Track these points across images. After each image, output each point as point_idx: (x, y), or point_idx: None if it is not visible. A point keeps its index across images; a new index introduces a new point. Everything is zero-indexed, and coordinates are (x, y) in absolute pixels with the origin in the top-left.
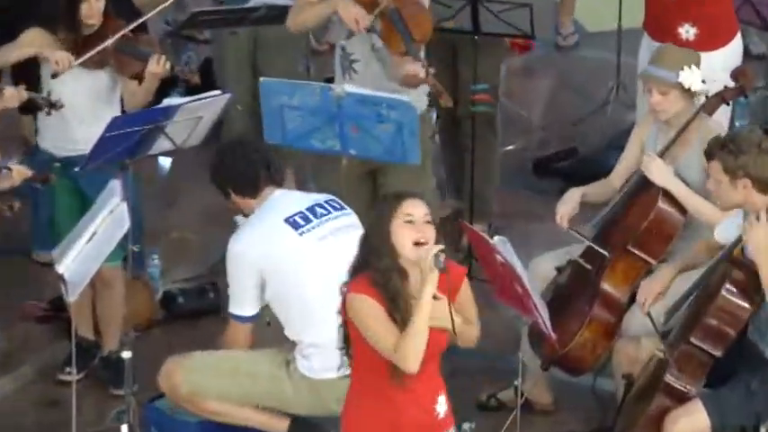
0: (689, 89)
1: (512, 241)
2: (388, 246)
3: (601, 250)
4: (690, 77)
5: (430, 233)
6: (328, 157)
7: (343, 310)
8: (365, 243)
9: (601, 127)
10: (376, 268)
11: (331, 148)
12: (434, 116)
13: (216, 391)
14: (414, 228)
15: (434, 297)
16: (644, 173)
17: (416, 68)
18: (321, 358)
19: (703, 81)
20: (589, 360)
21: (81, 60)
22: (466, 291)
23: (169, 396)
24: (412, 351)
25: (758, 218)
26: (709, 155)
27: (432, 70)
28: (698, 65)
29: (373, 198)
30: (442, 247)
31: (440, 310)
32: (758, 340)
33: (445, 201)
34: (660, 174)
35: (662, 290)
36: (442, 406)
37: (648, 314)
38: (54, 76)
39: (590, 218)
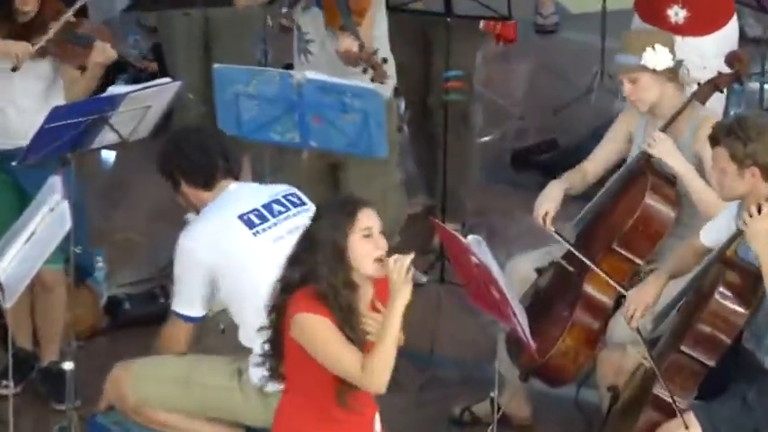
0: (654, 70)
1: (487, 240)
2: (345, 261)
3: (584, 258)
4: (653, 58)
5: (385, 246)
6: (288, 150)
7: (285, 328)
8: (312, 254)
9: (584, 116)
10: (330, 284)
11: (290, 141)
12: (402, 106)
13: (165, 401)
14: (372, 242)
15: (378, 310)
16: (632, 164)
17: (350, 43)
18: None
19: (680, 61)
20: (571, 370)
21: (35, 49)
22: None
23: (117, 406)
24: (382, 370)
25: (759, 209)
26: (715, 141)
27: (377, 51)
28: (666, 44)
29: (334, 195)
30: (411, 256)
31: (377, 324)
32: (755, 348)
33: (415, 197)
34: (665, 150)
35: (653, 300)
36: (378, 425)
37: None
38: (14, 69)
39: (572, 214)
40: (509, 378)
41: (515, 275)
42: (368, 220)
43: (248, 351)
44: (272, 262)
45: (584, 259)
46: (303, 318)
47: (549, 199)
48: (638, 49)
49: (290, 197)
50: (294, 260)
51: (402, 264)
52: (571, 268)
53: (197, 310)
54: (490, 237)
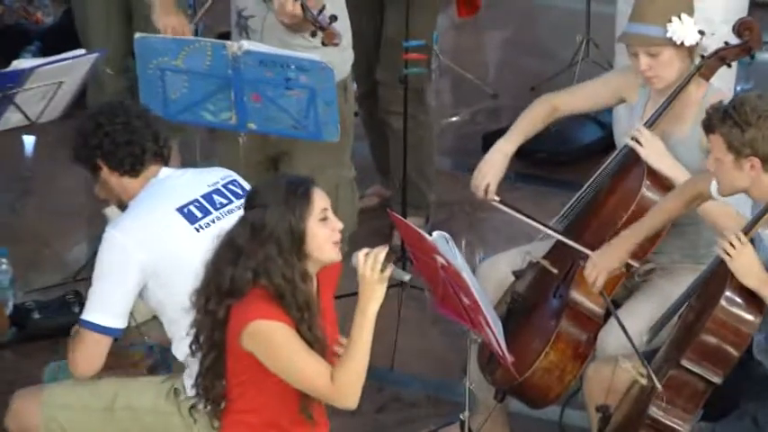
0: (682, 44)
1: (456, 237)
2: (302, 250)
3: (575, 245)
4: (680, 30)
5: (340, 225)
6: (222, 134)
7: (232, 339)
8: (261, 248)
9: None
10: (286, 279)
11: (225, 122)
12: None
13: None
14: (330, 224)
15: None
16: (625, 150)
17: (288, 2)
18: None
19: (701, 32)
20: (555, 388)
21: None
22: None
23: None
24: (354, 383)
25: (739, 239)
26: (709, 127)
27: (324, 7)
28: (689, 11)
29: None
30: (386, 250)
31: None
32: (766, 360)
33: (370, 188)
34: (654, 152)
35: (618, 264)
36: None
37: (623, 329)
38: None
39: (552, 209)
40: (482, 398)
41: (489, 279)
42: (321, 200)
43: (182, 366)
44: None
45: (574, 245)
46: (259, 326)
47: (491, 165)
48: (659, 19)
49: (230, 186)
50: (233, 258)
51: (375, 258)
52: (555, 270)
53: (119, 321)
54: (458, 233)
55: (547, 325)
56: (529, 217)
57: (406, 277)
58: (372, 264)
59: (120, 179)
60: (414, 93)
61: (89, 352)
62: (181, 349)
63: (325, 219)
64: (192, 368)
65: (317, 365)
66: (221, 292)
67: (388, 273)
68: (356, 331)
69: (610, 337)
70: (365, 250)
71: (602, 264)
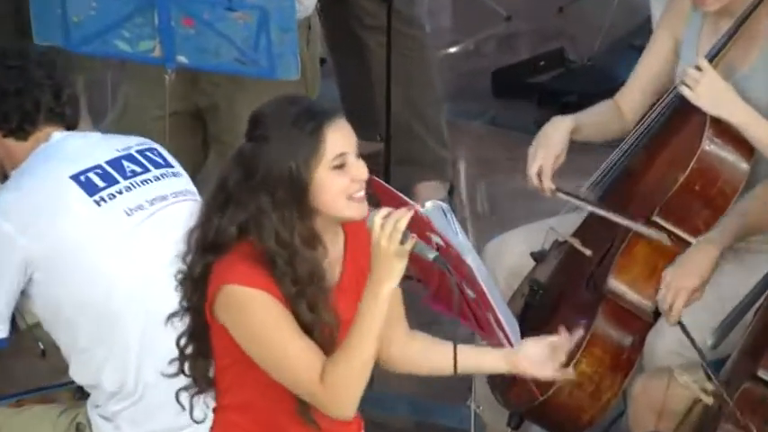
0: None
1: (456, 209)
2: (306, 205)
3: (615, 217)
4: None
5: (365, 173)
6: (138, 72)
7: (207, 305)
8: (253, 196)
9: (601, 15)
10: (281, 242)
11: (146, 55)
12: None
13: None
14: (347, 173)
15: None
16: (680, 93)
17: None
18: (142, 416)
19: None
20: (589, 410)
21: None
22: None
23: None
24: (353, 384)
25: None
26: None
27: None
28: None
29: (198, 163)
30: (411, 213)
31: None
32: None
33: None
34: (712, 95)
35: (700, 282)
36: None
37: (681, 326)
38: None
39: (581, 168)
40: (492, 424)
41: (501, 263)
42: (339, 141)
43: (84, 393)
44: (128, 244)
45: (614, 217)
46: (233, 292)
47: (551, 143)
48: None
49: (148, 153)
50: (222, 204)
51: (395, 225)
52: (588, 251)
53: (3, 328)
54: (461, 204)
55: (577, 325)
56: (605, 209)
57: (430, 256)
58: (392, 231)
59: (4, 141)
60: (398, 12)
61: None
62: (81, 370)
63: (341, 165)
64: (99, 395)
65: (306, 355)
66: (203, 244)
67: (410, 245)
68: (362, 317)
69: (662, 341)
70: (384, 211)
71: (679, 281)
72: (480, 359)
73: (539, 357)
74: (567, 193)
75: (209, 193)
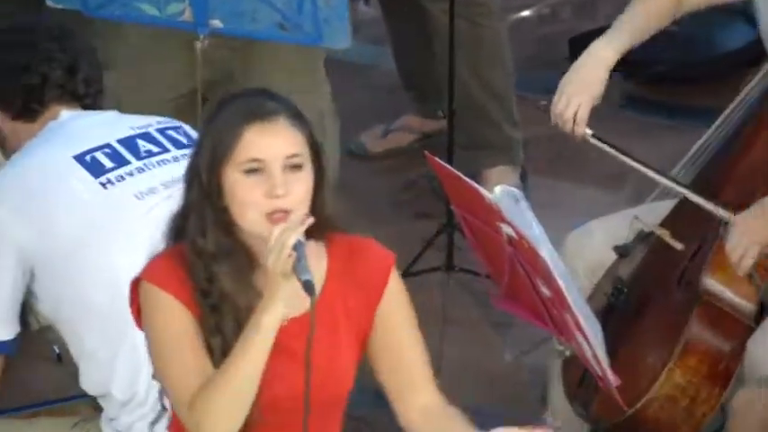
0: None
1: (533, 195)
2: (218, 209)
3: (710, 205)
4: None
5: (298, 193)
6: (165, 36)
7: (134, 311)
8: (186, 192)
9: None
10: (194, 246)
11: (174, 19)
12: None
13: None
14: (261, 183)
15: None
16: None
17: None
18: (159, 429)
19: None
20: (683, 426)
21: None
22: (401, 320)
23: None
24: (218, 416)
25: None
26: None
27: None
28: None
29: None
30: (307, 223)
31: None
32: None
33: (398, 121)
34: None
35: None
36: None
37: None
38: None
39: (675, 151)
40: None
41: (580, 258)
42: (263, 144)
43: (95, 402)
44: (138, 234)
45: (703, 203)
46: (143, 287)
47: (586, 88)
48: None
49: (170, 132)
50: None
51: (284, 241)
52: (679, 245)
53: (8, 328)
54: (535, 190)
55: (669, 328)
56: (640, 162)
57: (303, 277)
58: (279, 251)
59: (13, 124)
60: None
61: None
62: (90, 377)
63: (252, 171)
64: (111, 406)
65: (187, 374)
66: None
67: (289, 265)
68: (240, 344)
69: (765, 348)
70: (282, 226)
71: (751, 235)
72: None
73: None
74: (605, 142)
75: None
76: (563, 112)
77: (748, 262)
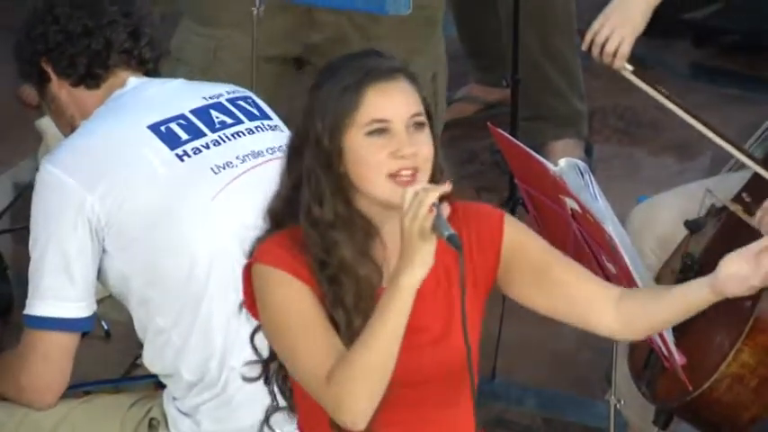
0: None
1: (600, 167)
2: (337, 177)
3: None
4: None
5: (424, 151)
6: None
7: (247, 298)
8: (293, 168)
9: None
10: (310, 219)
11: None
12: None
13: None
14: (387, 143)
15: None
16: None
17: None
18: (225, 412)
19: None
20: (752, 407)
21: None
22: (528, 247)
23: None
24: (357, 387)
25: None
26: None
27: None
28: None
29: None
30: (443, 189)
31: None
32: None
33: (461, 90)
34: None
35: None
36: None
37: None
38: None
39: (748, 125)
40: (635, 422)
41: (647, 233)
42: (386, 105)
43: (158, 383)
44: (216, 209)
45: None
46: (259, 271)
47: (629, 22)
48: None
49: (240, 102)
50: (284, 169)
51: (422, 199)
52: (753, 220)
53: (84, 305)
54: (599, 162)
55: (738, 306)
56: (688, 112)
57: (446, 233)
58: (416, 209)
59: (74, 91)
60: None
61: (47, 365)
62: (157, 355)
63: (378, 132)
64: (177, 385)
65: (319, 350)
66: (267, 216)
67: (428, 223)
68: (379, 311)
69: None
70: (417, 186)
71: None
72: (686, 296)
73: (745, 272)
74: (645, 81)
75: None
76: (605, 45)
77: None
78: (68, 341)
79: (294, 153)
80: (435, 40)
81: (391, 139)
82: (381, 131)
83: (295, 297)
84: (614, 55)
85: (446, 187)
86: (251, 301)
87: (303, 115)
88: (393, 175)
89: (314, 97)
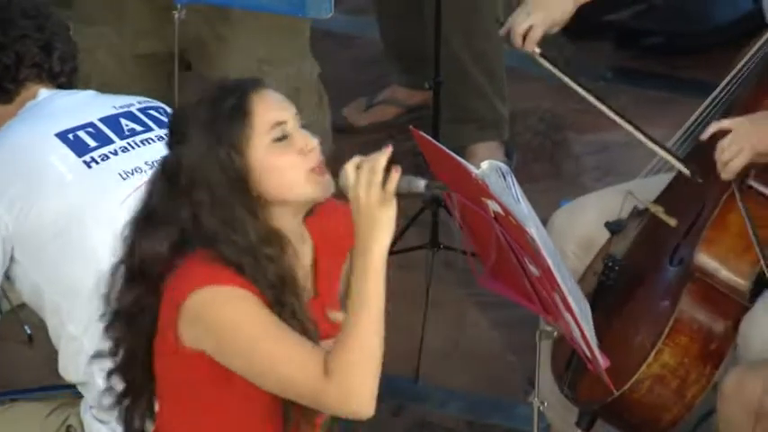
0: None
1: (519, 170)
2: (252, 198)
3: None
4: None
5: (315, 143)
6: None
7: (165, 323)
8: (183, 206)
9: None
10: (239, 247)
11: None
12: None
13: None
14: (293, 144)
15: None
16: None
17: None
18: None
19: None
20: (673, 408)
21: None
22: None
23: None
24: (362, 371)
25: None
26: None
27: None
28: None
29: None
30: (388, 151)
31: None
32: None
33: (383, 93)
34: None
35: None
36: None
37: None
38: None
39: (671, 124)
40: (557, 424)
41: (569, 235)
42: (274, 108)
43: (74, 390)
44: (124, 215)
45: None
46: (201, 296)
47: (548, 7)
48: None
49: (151, 112)
50: (146, 227)
51: (372, 169)
52: (673, 221)
53: None
54: (524, 166)
55: (659, 307)
56: (597, 98)
57: (421, 184)
58: (368, 178)
59: None
60: None
61: None
62: (70, 362)
63: (282, 138)
64: (91, 393)
65: (300, 348)
66: (130, 276)
67: (392, 186)
68: (358, 285)
69: (758, 330)
70: (356, 160)
71: (748, 137)
72: None
73: None
74: (552, 63)
75: (132, 219)
76: (516, 26)
77: (736, 165)
78: None
79: (170, 205)
80: (299, 51)
81: (293, 140)
82: (282, 138)
83: (250, 307)
84: (524, 37)
85: (389, 150)
86: (174, 342)
87: (177, 170)
88: (311, 171)
89: (185, 148)
